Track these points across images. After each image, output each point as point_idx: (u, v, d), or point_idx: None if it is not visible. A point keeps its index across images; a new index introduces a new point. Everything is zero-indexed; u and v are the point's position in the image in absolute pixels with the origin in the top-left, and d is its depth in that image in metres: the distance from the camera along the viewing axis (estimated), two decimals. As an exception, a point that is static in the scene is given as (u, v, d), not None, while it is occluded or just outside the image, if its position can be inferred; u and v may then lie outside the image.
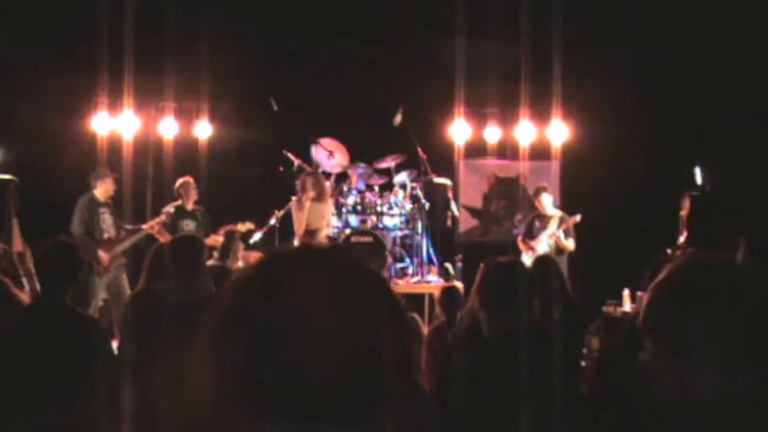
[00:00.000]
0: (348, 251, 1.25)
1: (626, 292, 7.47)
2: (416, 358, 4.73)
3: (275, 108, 9.79)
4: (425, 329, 5.76)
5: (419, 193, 9.89)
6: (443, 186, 10.30)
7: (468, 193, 11.41)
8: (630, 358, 1.62)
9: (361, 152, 10.25)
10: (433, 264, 10.01)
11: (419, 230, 9.79)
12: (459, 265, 10.16)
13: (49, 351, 3.42)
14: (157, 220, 8.70)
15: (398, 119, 9.81)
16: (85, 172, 9.00)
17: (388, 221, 9.93)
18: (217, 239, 8.29)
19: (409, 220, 9.91)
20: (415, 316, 5.77)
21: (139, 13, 8.82)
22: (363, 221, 9.86)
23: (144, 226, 8.75)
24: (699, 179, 8.97)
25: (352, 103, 10.32)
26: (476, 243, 11.07)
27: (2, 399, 3.40)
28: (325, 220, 9.04)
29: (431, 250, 10.05)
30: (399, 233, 10.00)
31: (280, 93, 9.86)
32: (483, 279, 3.47)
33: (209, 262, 7.04)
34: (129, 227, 8.87)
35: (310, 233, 8.78)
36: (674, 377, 1.51)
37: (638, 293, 5.76)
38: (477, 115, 11.36)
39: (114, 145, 10.40)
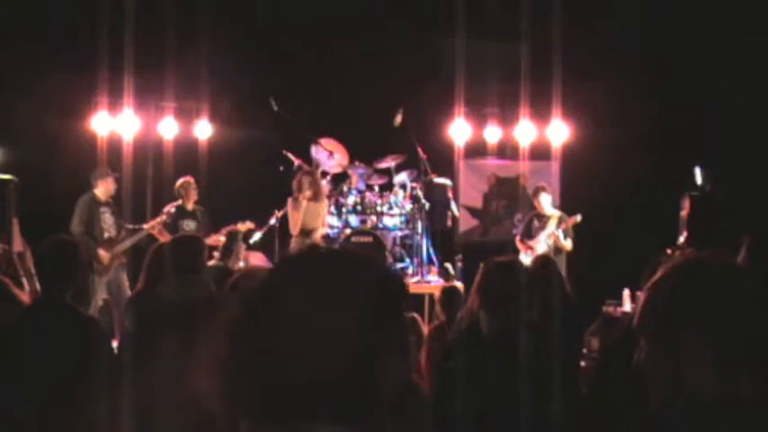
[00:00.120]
0: (355, 254, 1.25)
1: (626, 292, 7.47)
2: (416, 358, 4.73)
3: (275, 108, 9.78)
4: (425, 329, 5.76)
5: (419, 193, 9.89)
6: (443, 186, 10.30)
7: (468, 193, 11.41)
8: (629, 358, 1.62)
9: (361, 152, 10.24)
10: (433, 264, 10.01)
11: (419, 230, 9.78)
12: (459, 265, 10.16)
13: (48, 350, 3.42)
14: (158, 219, 8.71)
15: (398, 119, 9.80)
16: (85, 172, 9.00)
17: (388, 221, 9.93)
18: (217, 239, 8.28)
19: (409, 220, 9.91)
20: (415, 316, 5.77)
21: (139, 13, 8.83)
22: (363, 221, 9.86)
23: (145, 226, 8.75)
24: (699, 179, 8.96)
25: (352, 104, 10.32)
26: (476, 243, 11.07)
27: (1, 398, 3.40)
28: (320, 220, 9.02)
29: (431, 250, 10.05)
30: (399, 233, 10.00)
31: (279, 93, 9.86)
32: (483, 279, 3.48)
33: (211, 262, 7.03)
34: (131, 226, 8.87)
35: (306, 233, 8.76)
36: (670, 378, 1.51)
37: (638, 293, 5.76)
38: (477, 115, 11.36)
39: (114, 145, 10.39)
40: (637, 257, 4.70)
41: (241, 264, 7.87)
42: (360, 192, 10.00)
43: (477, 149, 11.48)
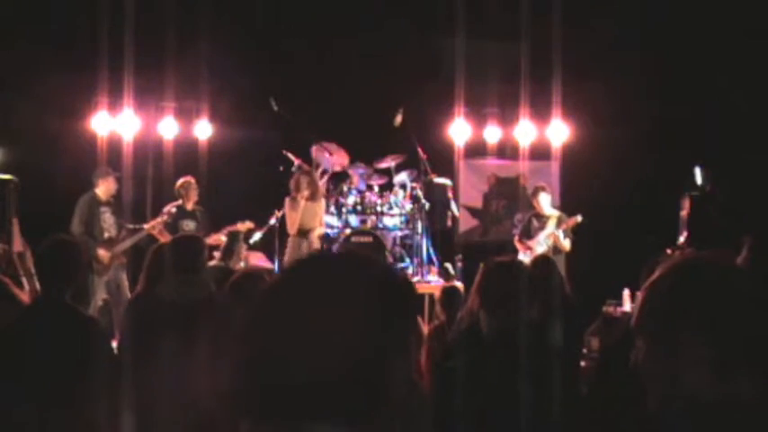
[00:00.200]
0: (360, 256, 1.26)
1: (626, 292, 7.46)
2: (416, 358, 4.73)
3: (275, 108, 9.78)
4: (425, 329, 5.76)
5: (419, 193, 9.89)
6: (443, 186, 10.30)
7: (468, 193, 11.41)
8: (629, 358, 1.62)
9: (361, 152, 10.24)
10: (433, 264, 10.01)
11: (419, 230, 9.78)
12: (459, 265, 10.16)
13: (48, 350, 3.42)
14: (159, 219, 8.70)
15: (398, 119, 9.81)
16: (86, 172, 9.00)
17: (388, 221, 9.93)
18: (218, 239, 8.29)
19: (409, 220, 9.91)
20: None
21: (139, 13, 8.83)
22: (363, 221, 9.86)
23: (146, 226, 8.75)
24: (699, 179, 8.96)
25: (352, 104, 10.32)
26: (476, 243, 11.07)
27: (1, 397, 3.40)
28: (318, 220, 9.00)
29: (431, 250, 10.05)
30: (399, 233, 10.00)
31: (279, 93, 9.86)
32: (483, 279, 3.48)
33: (212, 262, 7.03)
34: (131, 226, 8.87)
35: (304, 233, 8.74)
36: (668, 378, 1.51)
37: (638, 293, 5.75)
38: (477, 115, 11.36)
39: (114, 145, 10.39)
40: (637, 257, 4.70)
41: (242, 264, 7.87)
42: (360, 192, 10.00)
43: (477, 149, 11.48)
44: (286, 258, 8.88)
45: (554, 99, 10.57)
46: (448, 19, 9.69)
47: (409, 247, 9.94)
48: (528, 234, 9.26)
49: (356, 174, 10.05)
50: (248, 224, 8.70)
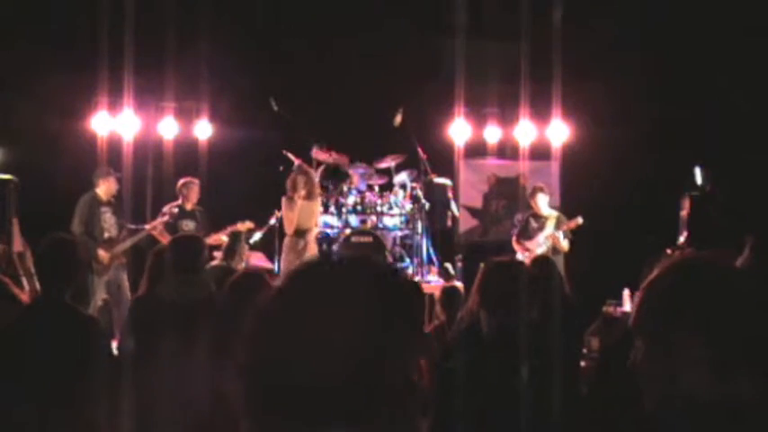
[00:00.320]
0: (363, 258, 1.26)
1: (626, 292, 7.47)
2: (419, 359, 4.72)
3: (275, 108, 9.78)
4: (425, 329, 5.76)
5: (419, 193, 9.89)
6: (443, 186, 10.30)
7: (468, 193, 11.41)
8: (628, 358, 1.62)
9: (361, 152, 10.24)
10: (433, 264, 10.01)
11: (419, 230, 9.79)
12: (459, 265, 10.16)
13: (48, 349, 3.41)
14: (160, 220, 8.70)
15: (398, 119, 9.80)
16: (86, 172, 8.99)
17: (388, 221, 9.93)
18: (218, 238, 8.29)
19: (409, 220, 9.91)
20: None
21: (139, 13, 8.83)
22: (363, 221, 9.86)
23: (147, 226, 8.75)
24: (699, 179, 8.96)
25: (352, 104, 10.32)
26: (476, 243, 11.07)
27: (1, 397, 3.40)
28: (314, 219, 8.97)
29: (431, 250, 10.06)
30: (399, 233, 10.00)
31: (279, 93, 9.86)
32: (483, 279, 3.48)
33: (214, 262, 7.03)
34: (132, 227, 8.87)
35: (301, 232, 8.71)
36: (666, 378, 1.51)
37: (638, 293, 5.75)
38: (477, 115, 11.36)
39: (114, 145, 10.39)
40: (637, 257, 4.70)
41: (243, 265, 7.87)
42: (360, 192, 10.00)
43: (477, 149, 11.48)
44: (283, 258, 8.87)
45: (554, 99, 10.57)
46: (448, 19, 9.70)
47: (409, 247, 9.94)
48: (526, 235, 9.24)
49: (356, 174, 10.05)
50: (248, 224, 8.69)
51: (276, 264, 9.29)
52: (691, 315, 1.50)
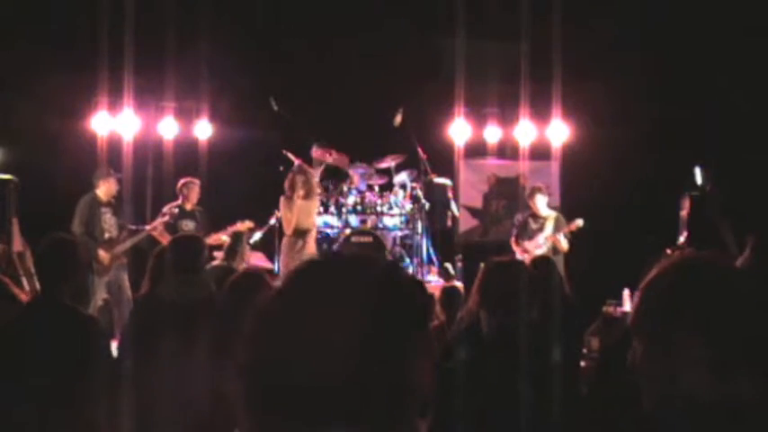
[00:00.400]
0: (365, 258, 1.25)
1: (626, 292, 7.46)
2: (423, 359, 4.72)
3: (275, 108, 9.78)
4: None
5: (419, 193, 9.90)
6: (443, 186, 10.30)
7: (468, 193, 11.41)
8: (629, 358, 1.62)
9: (361, 152, 10.24)
10: (433, 264, 10.01)
11: (419, 230, 9.79)
12: (459, 265, 10.16)
13: (46, 349, 3.41)
14: (160, 220, 8.69)
15: (398, 119, 9.80)
16: (86, 172, 8.99)
17: (388, 221, 9.94)
18: (218, 239, 8.29)
19: (409, 220, 9.92)
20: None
21: (139, 13, 8.83)
22: (363, 221, 9.87)
23: (147, 227, 8.75)
24: (699, 179, 8.96)
25: (352, 104, 10.32)
26: (476, 243, 11.07)
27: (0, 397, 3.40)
28: (311, 220, 8.95)
29: (431, 250, 10.06)
30: (399, 233, 10.00)
31: (279, 93, 9.86)
32: (483, 278, 3.48)
33: (215, 262, 7.03)
34: (133, 227, 8.87)
35: (300, 232, 8.70)
36: (666, 378, 1.51)
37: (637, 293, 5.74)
38: (477, 115, 11.37)
39: (114, 145, 10.39)
40: (637, 257, 4.69)
41: (244, 265, 7.87)
42: (360, 192, 10.00)
43: (477, 149, 11.48)
44: (282, 258, 8.87)
45: (554, 99, 10.57)
46: (448, 19, 9.69)
47: (409, 247, 9.95)
48: (525, 235, 9.20)
49: (356, 174, 10.06)
50: (248, 224, 8.69)
51: (276, 264, 9.29)
52: (690, 315, 1.50)
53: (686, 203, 8.75)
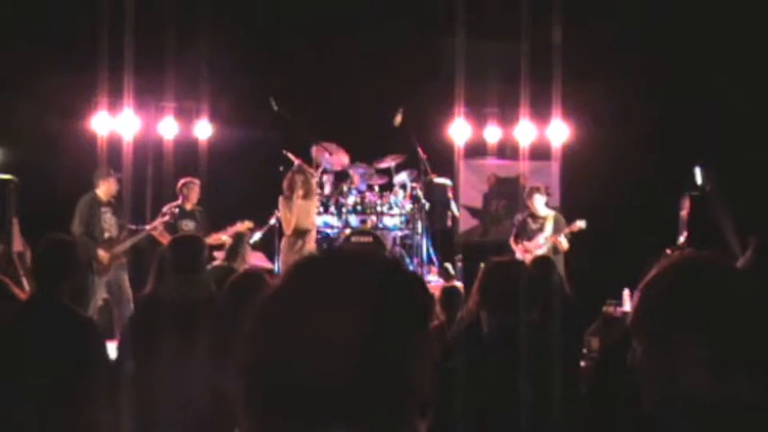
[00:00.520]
0: (365, 255, 1.25)
1: (626, 292, 7.47)
2: (423, 358, 4.72)
3: (275, 108, 9.78)
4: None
5: (419, 193, 9.89)
6: (443, 186, 10.30)
7: (468, 193, 11.41)
8: (628, 358, 1.62)
9: (361, 152, 10.24)
10: (433, 264, 10.01)
11: (419, 230, 9.79)
12: (459, 265, 10.16)
13: (40, 349, 3.40)
14: (160, 220, 8.69)
15: (398, 119, 9.80)
16: (86, 172, 8.99)
17: (388, 221, 9.93)
18: (218, 239, 8.29)
19: (409, 220, 9.92)
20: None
21: (139, 13, 8.83)
22: (363, 221, 9.87)
23: (147, 227, 8.75)
24: (699, 179, 8.97)
25: (352, 104, 10.32)
26: (476, 243, 11.07)
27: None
28: (311, 219, 8.95)
29: (431, 250, 10.06)
30: (399, 233, 10.00)
31: (279, 93, 9.86)
32: (483, 279, 3.48)
33: (215, 262, 7.03)
34: (133, 227, 8.86)
35: (300, 232, 8.70)
36: (666, 378, 1.51)
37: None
38: (477, 115, 11.37)
39: (114, 145, 10.39)
40: (637, 257, 4.70)
41: (245, 266, 7.87)
42: (360, 192, 10.00)
43: (477, 149, 11.48)
44: (282, 258, 8.87)
45: (554, 99, 10.57)
46: (448, 19, 9.69)
47: (409, 247, 9.95)
48: (525, 235, 9.19)
49: (356, 174, 10.05)
50: (248, 224, 8.69)
51: (276, 264, 9.29)
52: (690, 315, 1.50)
53: (686, 203, 8.76)
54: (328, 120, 10.14)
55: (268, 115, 9.90)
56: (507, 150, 11.52)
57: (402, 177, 10.11)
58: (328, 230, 9.90)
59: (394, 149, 10.07)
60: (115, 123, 10.67)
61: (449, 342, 4.32)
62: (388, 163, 10.14)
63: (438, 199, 10.21)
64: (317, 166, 9.93)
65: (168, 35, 9.24)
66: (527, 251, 8.92)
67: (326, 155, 10.01)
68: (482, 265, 3.65)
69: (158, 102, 11.02)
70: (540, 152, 11.26)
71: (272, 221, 9.31)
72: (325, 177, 10.01)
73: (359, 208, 9.91)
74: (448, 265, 10.00)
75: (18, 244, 8.00)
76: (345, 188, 10.00)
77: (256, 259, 9.00)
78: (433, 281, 9.48)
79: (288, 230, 8.69)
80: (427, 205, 9.90)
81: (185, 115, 11.19)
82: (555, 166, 11.23)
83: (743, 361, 1.47)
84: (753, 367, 1.46)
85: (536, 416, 3.05)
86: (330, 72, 10.60)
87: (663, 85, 9.94)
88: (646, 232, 9.02)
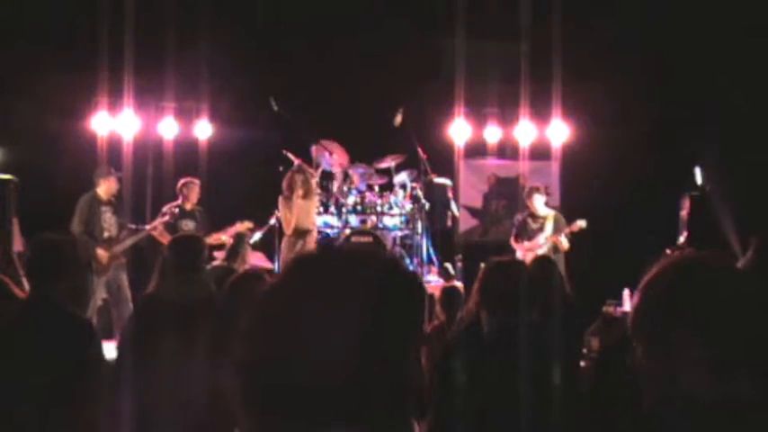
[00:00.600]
0: (364, 253, 1.24)
1: (626, 292, 7.47)
2: (420, 357, 4.72)
3: (275, 108, 9.78)
4: (425, 329, 5.76)
5: (419, 193, 9.89)
6: (443, 186, 10.29)
7: (468, 193, 11.41)
8: (628, 358, 1.62)
9: (361, 152, 10.24)
10: (433, 264, 10.01)
11: (419, 230, 9.78)
12: (459, 265, 10.16)
13: (33, 349, 3.39)
14: (160, 220, 8.68)
15: (398, 119, 9.80)
16: (86, 172, 8.99)
17: (388, 221, 9.93)
18: (218, 239, 8.29)
19: (409, 220, 9.91)
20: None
21: (139, 13, 8.83)
22: (363, 221, 9.86)
23: (147, 227, 8.74)
24: (699, 179, 8.97)
25: (352, 104, 10.32)
26: (476, 243, 11.07)
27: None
28: (311, 219, 8.94)
29: (431, 250, 10.06)
30: (399, 233, 10.00)
31: (279, 93, 9.86)
32: (483, 279, 3.48)
33: (215, 262, 7.03)
34: (133, 227, 8.86)
35: (300, 232, 8.70)
36: (666, 378, 1.50)
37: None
38: (477, 115, 11.37)
39: (114, 145, 10.39)
40: (637, 257, 4.69)
41: (245, 266, 7.86)
42: (360, 192, 9.99)
43: (477, 149, 11.48)
44: (282, 258, 8.87)
45: (554, 99, 10.57)
46: (448, 19, 9.70)
47: (409, 247, 9.94)
48: (525, 235, 9.19)
49: (356, 174, 10.05)
50: (248, 224, 8.69)
51: (276, 264, 9.29)
52: (690, 315, 1.50)
53: (686, 203, 8.76)
54: (328, 120, 10.13)
55: (268, 115, 9.89)
56: (507, 150, 11.52)
57: (402, 177, 10.11)
58: (328, 230, 9.90)
59: (394, 149, 10.07)
60: (115, 123, 10.67)
61: (449, 342, 4.32)
62: (388, 163, 10.13)
63: (438, 199, 10.21)
64: (317, 166, 9.94)
65: (168, 35, 9.24)
66: (530, 250, 8.92)
67: (326, 155, 10.01)
68: (482, 265, 3.65)
69: (158, 102, 11.02)
70: (539, 152, 11.26)
71: (272, 221, 9.31)
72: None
73: (359, 208, 9.91)
74: (448, 265, 9.99)
75: (18, 244, 8.00)
76: (345, 188, 10.00)
77: (256, 259, 9.00)
78: (433, 281, 9.48)
79: (288, 230, 8.68)
80: (427, 205, 9.89)
81: (185, 115, 11.19)
82: (555, 166, 11.23)
83: (743, 361, 1.46)
84: (753, 367, 1.46)
85: (536, 416, 3.05)
86: (330, 72, 10.60)
87: (663, 85, 9.94)
88: (646, 232, 9.02)
